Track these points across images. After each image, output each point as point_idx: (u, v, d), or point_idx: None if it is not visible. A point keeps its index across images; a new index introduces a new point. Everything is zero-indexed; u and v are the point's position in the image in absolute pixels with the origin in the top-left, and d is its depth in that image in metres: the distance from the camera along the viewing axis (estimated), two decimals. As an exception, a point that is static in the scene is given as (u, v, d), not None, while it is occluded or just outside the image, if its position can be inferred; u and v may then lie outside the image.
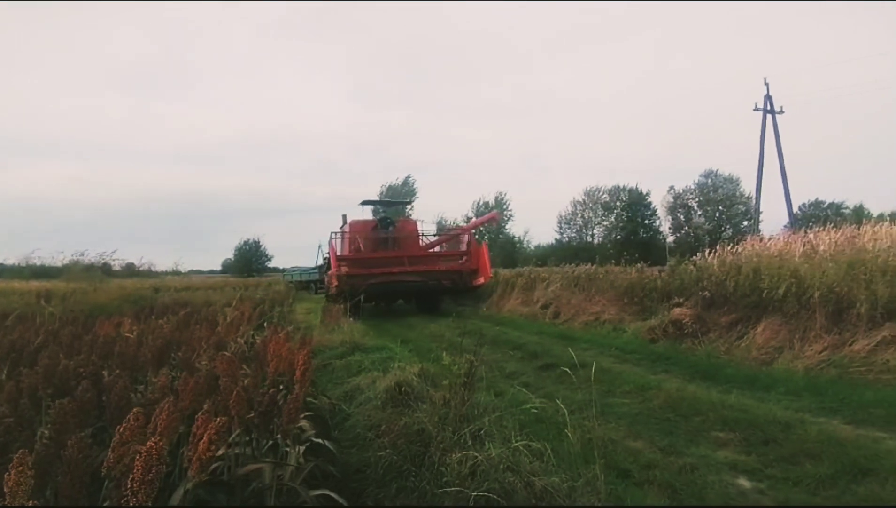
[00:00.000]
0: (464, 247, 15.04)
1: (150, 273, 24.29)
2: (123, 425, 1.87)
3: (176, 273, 27.25)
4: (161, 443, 1.64)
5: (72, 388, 2.72)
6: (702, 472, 3.12)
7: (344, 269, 12.63)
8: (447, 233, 19.51)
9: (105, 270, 19.27)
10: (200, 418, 2.01)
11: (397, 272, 13.25)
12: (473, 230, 16.38)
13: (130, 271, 23.15)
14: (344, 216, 15.31)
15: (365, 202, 17.53)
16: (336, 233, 14.59)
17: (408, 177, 51.97)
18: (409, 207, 28.88)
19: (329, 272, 14.19)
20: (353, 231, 14.86)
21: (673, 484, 2.95)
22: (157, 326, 6.04)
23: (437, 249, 15.90)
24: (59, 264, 18.62)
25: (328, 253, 15.11)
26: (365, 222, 16.19)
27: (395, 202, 17.43)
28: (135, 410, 1.94)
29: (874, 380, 4.89)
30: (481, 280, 13.70)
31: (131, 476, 1.53)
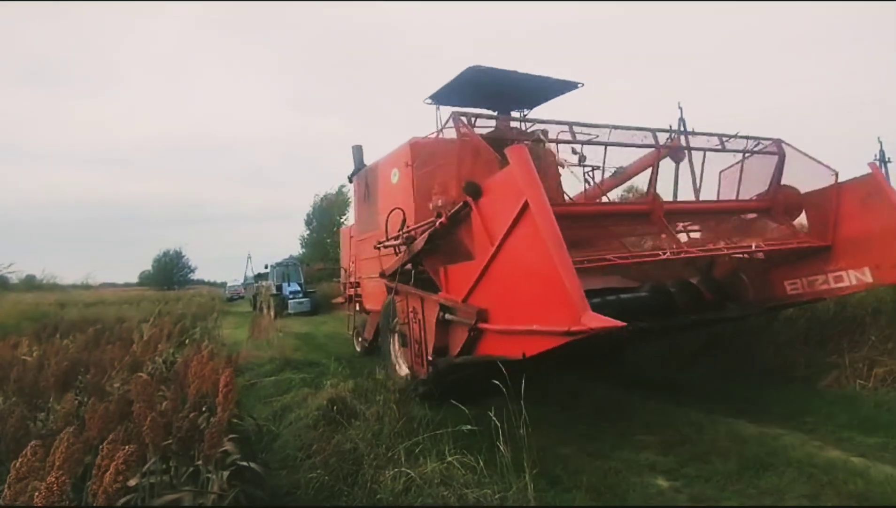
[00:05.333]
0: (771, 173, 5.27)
1: (53, 287, 22.25)
2: (20, 459, 1.70)
3: (85, 286, 25.19)
4: (63, 478, 1.50)
5: (-43, 420, 2.42)
6: (625, 474, 3.29)
7: None
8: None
9: (0, 283, 17.41)
10: (106, 447, 1.86)
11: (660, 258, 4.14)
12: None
13: (30, 284, 21.10)
14: (357, 148, 7.60)
15: (452, 91, 5.82)
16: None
17: (342, 187, 50.79)
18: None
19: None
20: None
21: (598, 488, 3.09)
22: (62, 346, 5.52)
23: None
24: (-58, 277, 16.61)
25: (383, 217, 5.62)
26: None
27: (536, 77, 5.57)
28: (32, 443, 1.76)
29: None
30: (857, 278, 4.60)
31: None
